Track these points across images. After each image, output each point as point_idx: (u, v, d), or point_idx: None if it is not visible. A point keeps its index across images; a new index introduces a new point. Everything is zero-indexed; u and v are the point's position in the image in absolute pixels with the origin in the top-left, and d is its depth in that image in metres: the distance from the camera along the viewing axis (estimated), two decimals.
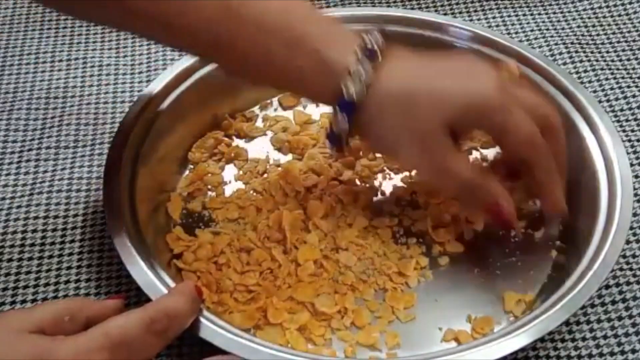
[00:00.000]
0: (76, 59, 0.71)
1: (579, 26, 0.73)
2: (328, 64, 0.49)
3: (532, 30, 0.73)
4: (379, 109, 0.49)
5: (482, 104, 0.49)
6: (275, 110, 0.65)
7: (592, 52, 0.70)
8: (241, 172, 0.60)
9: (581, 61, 0.69)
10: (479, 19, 0.74)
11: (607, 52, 0.71)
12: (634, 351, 0.50)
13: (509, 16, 0.74)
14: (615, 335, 0.51)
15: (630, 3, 0.75)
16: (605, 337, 0.51)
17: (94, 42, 0.72)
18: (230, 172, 0.61)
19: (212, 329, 0.47)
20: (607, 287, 0.54)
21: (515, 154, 0.51)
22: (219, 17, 0.49)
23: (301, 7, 0.51)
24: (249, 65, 0.51)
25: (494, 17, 0.74)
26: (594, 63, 0.69)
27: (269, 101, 0.65)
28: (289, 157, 0.62)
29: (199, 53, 0.56)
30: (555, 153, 0.51)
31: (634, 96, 0.66)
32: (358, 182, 0.59)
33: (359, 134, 0.53)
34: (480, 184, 0.51)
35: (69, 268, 0.55)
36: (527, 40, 0.71)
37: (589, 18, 0.74)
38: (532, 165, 0.51)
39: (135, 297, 0.53)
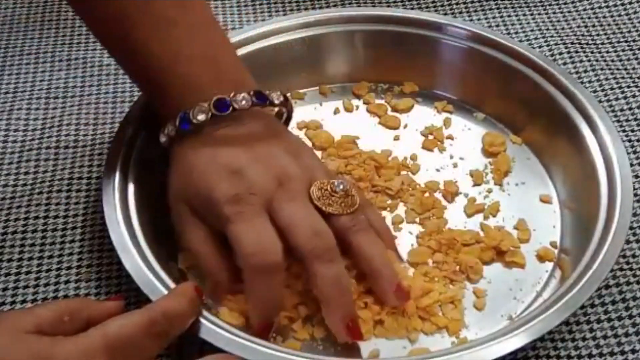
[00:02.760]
0: (76, 59, 0.71)
1: (579, 26, 0.73)
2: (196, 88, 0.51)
3: (532, 30, 0.73)
4: (180, 153, 0.52)
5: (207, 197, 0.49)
6: None
7: (592, 52, 0.70)
8: None
9: (581, 61, 0.69)
10: (479, 19, 0.74)
11: (607, 52, 0.71)
12: (634, 351, 0.50)
13: (509, 16, 0.74)
14: (615, 335, 0.51)
15: (630, 3, 0.75)
16: (605, 337, 0.51)
17: (94, 42, 0.72)
18: None
19: (212, 329, 0.47)
20: (607, 287, 0.54)
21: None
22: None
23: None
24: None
25: (494, 17, 0.74)
26: (594, 63, 0.69)
27: None
28: None
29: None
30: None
31: (634, 96, 0.66)
32: None
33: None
34: (203, 256, 0.51)
35: (69, 268, 0.55)
36: (527, 40, 0.71)
37: (589, 18, 0.74)
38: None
39: (135, 297, 0.53)
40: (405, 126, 0.64)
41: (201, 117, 0.50)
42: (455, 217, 0.58)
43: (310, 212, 0.50)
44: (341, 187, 0.51)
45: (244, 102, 0.51)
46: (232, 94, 0.51)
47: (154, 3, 0.52)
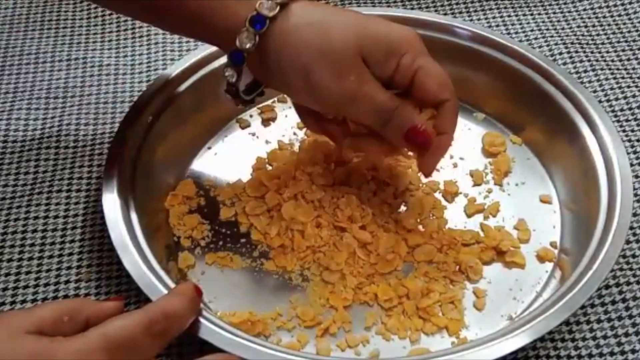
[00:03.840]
0: (76, 59, 0.71)
1: (579, 26, 0.73)
2: (230, 13, 0.50)
3: (532, 30, 0.73)
4: (286, 38, 0.50)
5: (398, 37, 0.50)
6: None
7: (592, 52, 0.70)
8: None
9: (581, 61, 0.69)
10: (479, 19, 0.74)
11: (607, 52, 0.71)
12: (634, 351, 0.50)
13: (509, 16, 0.74)
14: (615, 335, 0.51)
15: (630, 3, 0.75)
16: (605, 337, 0.51)
17: (94, 42, 0.72)
18: (229, 170, 0.61)
19: (212, 329, 0.47)
20: (607, 287, 0.54)
21: (426, 93, 0.51)
22: None
23: None
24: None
25: (494, 17, 0.74)
26: (594, 63, 0.69)
27: (268, 103, 0.66)
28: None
29: None
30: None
31: (634, 96, 0.66)
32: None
33: (261, 77, 0.53)
34: (396, 107, 0.51)
35: (69, 268, 0.55)
36: (527, 40, 0.71)
37: (589, 18, 0.74)
38: (440, 105, 0.52)
39: (135, 297, 0.53)
40: None
41: (271, 11, 0.49)
42: (455, 217, 0.58)
43: None
44: None
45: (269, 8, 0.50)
46: (257, 4, 0.49)
47: None
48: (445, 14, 0.74)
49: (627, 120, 0.65)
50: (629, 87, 0.67)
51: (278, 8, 0.49)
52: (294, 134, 0.64)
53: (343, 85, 0.50)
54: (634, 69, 0.69)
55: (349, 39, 0.50)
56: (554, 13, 0.75)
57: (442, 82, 0.52)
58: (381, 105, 0.50)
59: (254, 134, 0.64)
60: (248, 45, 0.50)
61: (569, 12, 0.75)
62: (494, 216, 0.58)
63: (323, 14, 0.51)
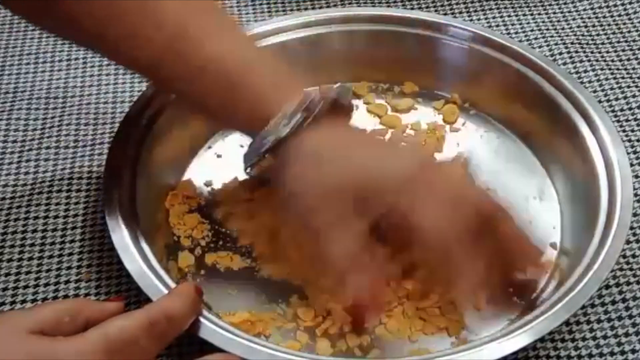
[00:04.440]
0: (76, 59, 0.71)
1: (579, 26, 0.73)
2: (265, 101, 0.50)
3: (532, 30, 0.73)
4: (290, 158, 0.49)
5: (389, 179, 0.48)
6: None
7: (592, 52, 0.70)
8: None
9: (581, 61, 0.69)
10: (479, 19, 0.74)
11: (607, 52, 0.71)
12: (634, 351, 0.50)
13: (509, 16, 0.74)
14: (615, 335, 0.51)
15: (630, 3, 0.75)
16: (605, 337, 0.51)
17: None
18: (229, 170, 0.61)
19: (212, 329, 0.47)
20: (607, 287, 0.54)
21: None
22: (163, 55, 0.49)
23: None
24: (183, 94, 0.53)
25: (494, 17, 0.74)
26: (594, 63, 0.69)
27: None
28: None
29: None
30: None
31: (634, 96, 0.66)
32: None
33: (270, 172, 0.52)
34: (344, 272, 0.48)
35: (69, 268, 0.55)
36: (527, 40, 0.71)
37: (589, 18, 0.74)
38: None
39: (135, 297, 0.53)
40: (406, 126, 0.64)
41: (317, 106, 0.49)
42: None
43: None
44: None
45: (330, 96, 0.50)
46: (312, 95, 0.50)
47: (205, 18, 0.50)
48: (445, 14, 0.74)
49: (627, 120, 0.65)
50: (629, 87, 0.67)
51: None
52: None
53: (321, 217, 0.49)
54: (634, 69, 0.69)
55: (337, 176, 0.48)
56: (554, 13, 0.75)
57: (427, 238, 0.48)
58: (333, 262, 0.49)
59: None
60: (285, 132, 0.49)
61: (569, 12, 0.75)
62: None
63: (326, 144, 0.49)
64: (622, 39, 0.72)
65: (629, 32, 0.73)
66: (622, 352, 0.50)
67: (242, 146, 0.63)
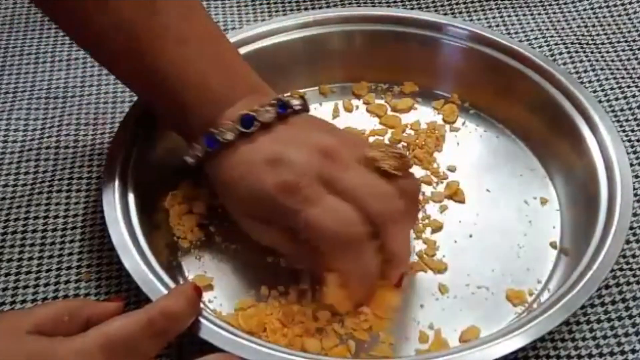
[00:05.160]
0: (76, 59, 0.71)
1: (579, 26, 0.73)
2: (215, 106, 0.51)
3: (532, 30, 0.73)
4: (216, 170, 0.51)
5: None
6: None
7: (592, 52, 0.70)
8: None
9: (581, 61, 0.69)
10: (479, 19, 0.74)
11: (607, 52, 0.71)
12: (634, 351, 0.50)
13: (509, 16, 0.74)
14: (615, 335, 0.51)
15: (630, 3, 0.75)
16: (605, 337, 0.51)
17: None
18: None
19: (212, 329, 0.47)
20: (607, 287, 0.54)
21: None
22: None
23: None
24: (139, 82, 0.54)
25: (494, 17, 0.74)
26: (594, 63, 0.69)
27: None
28: None
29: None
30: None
31: (634, 96, 0.66)
32: None
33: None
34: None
35: (69, 268, 0.55)
36: (527, 40, 0.71)
37: (589, 18, 0.74)
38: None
39: (135, 297, 0.53)
40: (406, 126, 0.64)
41: (229, 136, 0.50)
42: (455, 218, 0.58)
43: (370, 176, 0.49)
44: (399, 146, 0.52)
45: (267, 115, 0.50)
46: (255, 108, 0.50)
47: (158, 19, 0.50)
48: (445, 14, 0.74)
49: (627, 120, 0.65)
50: (629, 87, 0.67)
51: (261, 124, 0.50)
52: None
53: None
54: (634, 69, 0.69)
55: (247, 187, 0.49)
56: (554, 13, 0.75)
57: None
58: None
59: None
60: (229, 137, 0.50)
61: (569, 12, 0.75)
62: None
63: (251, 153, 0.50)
64: (622, 39, 0.72)
65: (629, 32, 0.73)
66: (622, 352, 0.50)
67: None
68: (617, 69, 0.69)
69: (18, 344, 0.40)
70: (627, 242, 0.56)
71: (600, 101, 0.65)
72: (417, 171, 0.60)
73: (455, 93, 0.66)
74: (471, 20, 0.74)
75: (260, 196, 0.48)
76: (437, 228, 0.57)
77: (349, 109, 0.66)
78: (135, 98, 0.62)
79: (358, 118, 0.65)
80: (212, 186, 0.53)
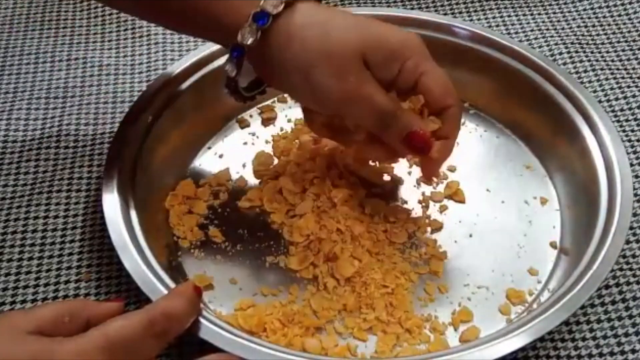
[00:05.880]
0: (76, 59, 0.71)
1: (579, 26, 0.73)
2: (235, 10, 0.50)
3: (532, 30, 0.73)
4: (288, 36, 0.50)
5: (401, 41, 0.51)
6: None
7: (592, 52, 0.70)
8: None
9: (581, 61, 0.69)
10: (479, 19, 0.74)
11: (607, 52, 0.71)
12: (634, 351, 0.50)
13: (509, 16, 0.74)
14: (615, 335, 0.51)
15: (630, 3, 0.75)
16: (605, 337, 0.51)
17: (94, 42, 0.72)
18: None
19: (212, 329, 0.47)
20: (607, 287, 0.54)
21: (430, 99, 0.51)
22: None
23: None
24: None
25: (494, 17, 0.74)
26: (594, 63, 0.69)
27: (268, 103, 0.66)
28: None
29: None
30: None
31: (634, 96, 0.66)
32: None
33: (263, 75, 0.53)
34: (396, 110, 0.51)
35: (69, 268, 0.55)
36: (527, 40, 0.71)
37: (589, 18, 0.74)
38: (444, 111, 0.52)
39: (135, 297, 0.53)
40: None
41: (277, 6, 0.49)
42: (455, 218, 0.58)
43: None
44: None
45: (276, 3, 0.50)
46: (262, 2, 0.50)
47: None
48: (445, 14, 0.74)
49: (627, 120, 0.65)
50: (629, 87, 0.67)
51: (283, 6, 0.50)
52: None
53: (343, 85, 0.50)
54: (634, 69, 0.69)
55: (351, 40, 0.50)
56: (554, 13, 0.75)
57: (446, 88, 0.52)
58: (381, 107, 0.50)
59: (253, 134, 0.64)
60: (249, 41, 0.50)
61: (569, 12, 0.75)
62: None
63: (327, 15, 0.51)
64: (622, 39, 0.72)
65: (629, 32, 0.73)
66: (622, 352, 0.50)
67: (245, 143, 0.63)
68: (617, 69, 0.69)
69: (19, 344, 0.40)
70: (627, 242, 0.56)
71: (600, 101, 0.65)
72: (417, 171, 0.60)
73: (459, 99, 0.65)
74: (471, 20, 0.74)
75: (396, 31, 0.51)
76: (437, 228, 0.57)
77: None
78: (135, 98, 0.62)
79: None
80: (272, 67, 0.52)
